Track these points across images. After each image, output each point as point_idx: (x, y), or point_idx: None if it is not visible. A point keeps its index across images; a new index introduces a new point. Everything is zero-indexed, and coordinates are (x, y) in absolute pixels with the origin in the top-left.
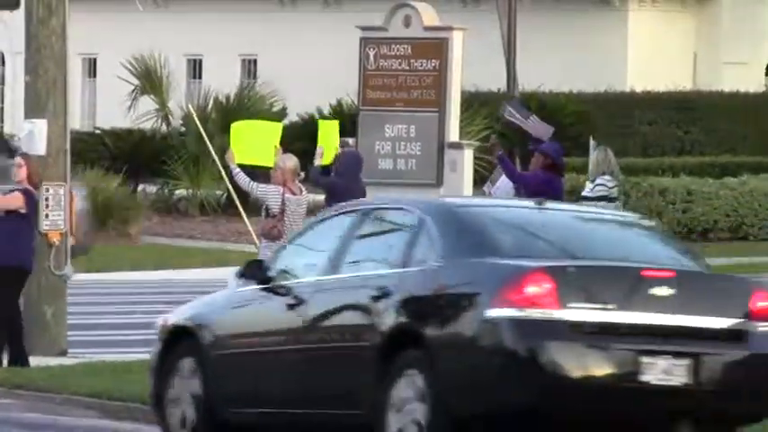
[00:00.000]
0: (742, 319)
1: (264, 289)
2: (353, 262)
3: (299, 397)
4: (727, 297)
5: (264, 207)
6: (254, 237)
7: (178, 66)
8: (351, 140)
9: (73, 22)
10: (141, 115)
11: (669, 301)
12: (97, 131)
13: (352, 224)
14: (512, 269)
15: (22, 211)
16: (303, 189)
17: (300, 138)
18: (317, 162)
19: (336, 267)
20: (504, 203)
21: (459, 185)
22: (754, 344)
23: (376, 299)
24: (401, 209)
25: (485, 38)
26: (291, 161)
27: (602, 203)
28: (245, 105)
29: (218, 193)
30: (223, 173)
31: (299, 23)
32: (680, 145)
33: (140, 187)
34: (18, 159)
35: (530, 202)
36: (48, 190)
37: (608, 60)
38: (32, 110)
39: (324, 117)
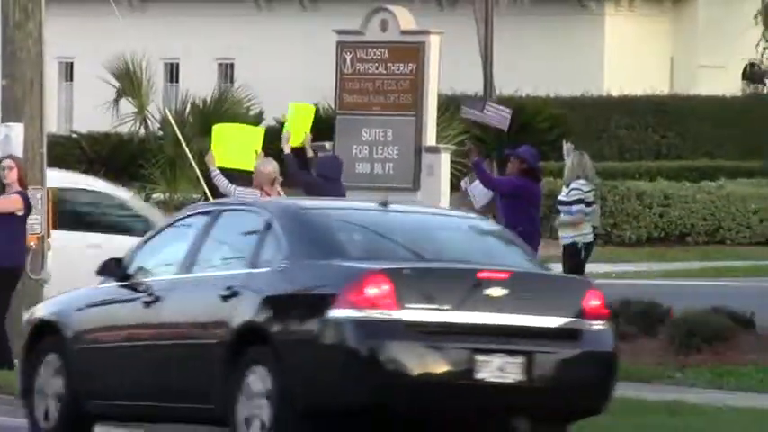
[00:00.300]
0: (575, 318)
1: (123, 286)
2: (206, 261)
3: (156, 391)
4: (561, 297)
5: None
6: None
7: (155, 70)
8: (328, 144)
9: (49, 26)
10: (122, 117)
11: (504, 301)
12: (74, 135)
13: (206, 224)
14: (352, 271)
15: (20, 213)
16: (282, 193)
17: (277, 141)
18: (286, 148)
19: (190, 266)
20: (349, 205)
21: (437, 189)
22: (586, 342)
23: (226, 298)
24: (252, 210)
25: (462, 42)
26: (268, 166)
27: (579, 207)
28: (223, 109)
29: (196, 196)
30: (200, 177)
31: (275, 27)
32: (657, 149)
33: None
34: (8, 161)
35: (374, 204)
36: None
37: (585, 64)
38: (9, 114)
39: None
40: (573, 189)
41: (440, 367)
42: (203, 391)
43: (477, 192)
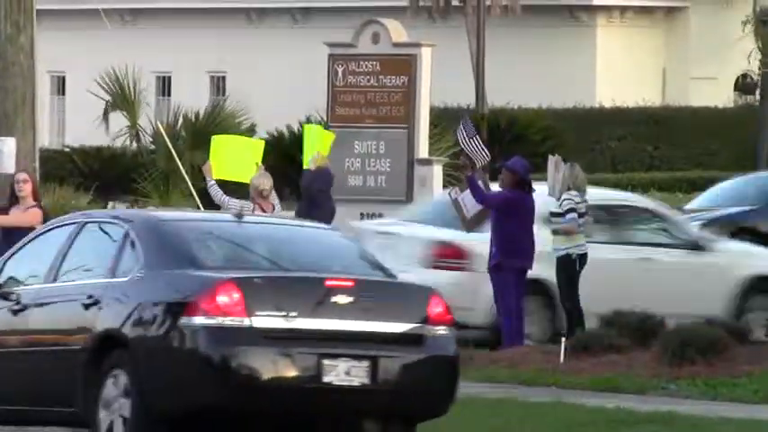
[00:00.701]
0: (419, 324)
1: None
2: (71, 271)
3: (25, 395)
4: (405, 303)
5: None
6: None
7: (147, 83)
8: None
9: (41, 40)
10: (114, 132)
11: (350, 308)
12: (66, 149)
13: (72, 234)
14: (204, 280)
15: (38, 227)
16: (276, 206)
17: (270, 154)
18: (313, 166)
19: (56, 276)
20: (205, 217)
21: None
22: (430, 346)
23: (87, 306)
24: (113, 222)
25: (454, 54)
26: (258, 179)
27: (572, 215)
28: (215, 123)
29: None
30: (193, 190)
31: (267, 40)
32: (649, 160)
33: (110, 205)
34: (23, 175)
35: (230, 216)
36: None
37: (577, 76)
38: (1, 128)
39: (295, 131)
40: (565, 200)
41: (288, 371)
42: (68, 396)
43: (468, 200)
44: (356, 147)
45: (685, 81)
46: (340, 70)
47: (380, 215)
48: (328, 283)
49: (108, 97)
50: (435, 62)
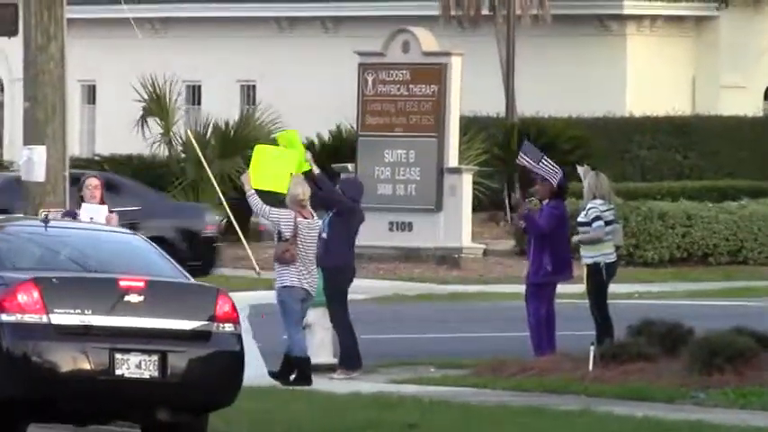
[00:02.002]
0: (207, 322)
1: None
2: None
3: None
4: (194, 302)
5: (277, 231)
6: (254, 262)
7: (178, 91)
8: (350, 166)
9: (71, 49)
10: (148, 139)
11: (141, 307)
12: (96, 158)
13: None
14: (6, 280)
15: None
16: (314, 214)
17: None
18: (316, 169)
19: None
20: (13, 222)
21: (459, 210)
22: (216, 342)
23: None
24: None
25: (483, 63)
26: (295, 188)
27: (598, 223)
28: (245, 131)
29: (218, 218)
30: (222, 198)
31: (297, 49)
32: (679, 169)
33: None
34: (95, 180)
35: (37, 221)
36: (47, 216)
37: (607, 85)
38: (31, 136)
39: (326, 140)
40: (590, 208)
41: (83, 365)
42: None
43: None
44: (386, 155)
45: (715, 90)
46: (370, 79)
47: (410, 225)
48: (122, 283)
49: (144, 103)
50: (465, 71)
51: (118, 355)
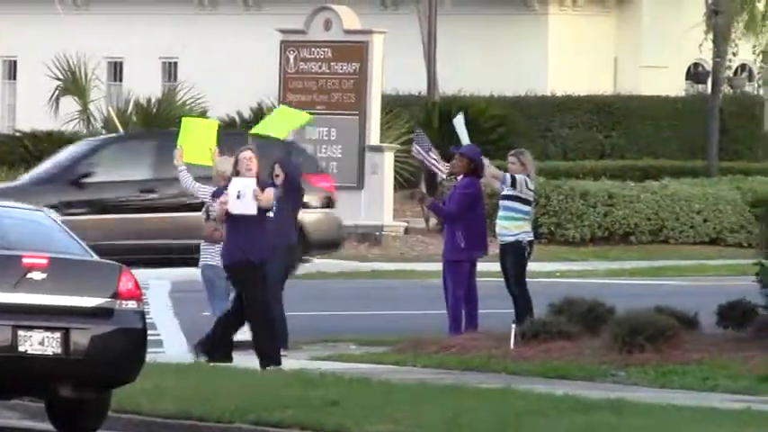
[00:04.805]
0: (109, 299)
1: None
2: None
3: None
4: (97, 279)
5: (205, 209)
6: None
7: (98, 68)
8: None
9: None
10: (65, 116)
11: (43, 284)
12: (17, 133)
13: None
14: None
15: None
16: None
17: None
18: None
19: None
20: None
21: (380, 188)
22: (120, 319)
23: None
24: None
25: (405, 41)
26: (222, 165)
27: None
28: (167, 108)
29: None
30: None
31: (219, 26)
32: (601, 149)
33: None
34: (248, 152)
35: None
36: None
37: (528, 64)
38: None
39: (247, 118)
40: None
41: None
42: None
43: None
44: (308, 133)
45: (637, 70)
46: (291, 57)
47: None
48: (25, 260)
49: (59, 82)
50: (387, 49)
51: (21, 332)
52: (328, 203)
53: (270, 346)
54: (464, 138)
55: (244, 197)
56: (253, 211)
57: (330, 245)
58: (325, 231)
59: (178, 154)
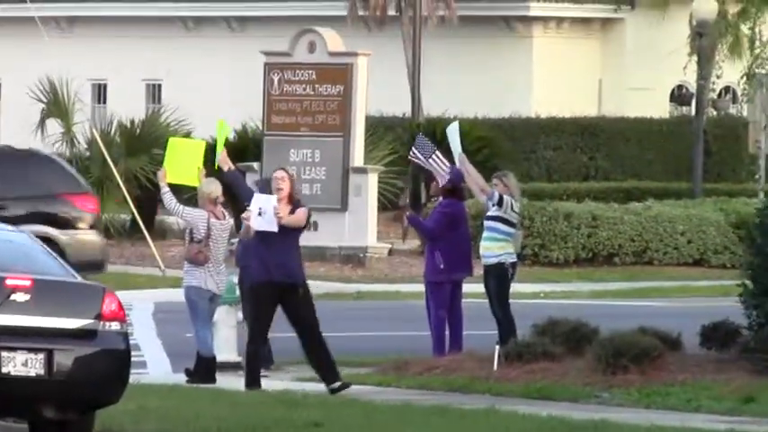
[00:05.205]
0: (93, 320)
1: None
2: None
3: None
4: (80, 301)
5: (188, 231)
6: (159, 260)
7: (83, 90)
8: (255, 165)
9: None
10: (48, 138)
11: (27, 305)
12: None
13: None
14: None
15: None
16: (226, 214)
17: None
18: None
19: None
20: None
21: (364, 210)
22: (103, 340)
23: None
24: None
25: (390, 63)
26: (208, 186)
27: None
28: (150, 130)
29: (123, 216)
30: (128, 197)
31: (203, 48)
32: (585, 170)
33: None
34: (282, 173)
35: None
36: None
37: (513, 86)
38: None
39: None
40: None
41: None
42: None
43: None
44: (292, 155)
45: (621, 92)
46: (276, 79)
47: (315, 224)
48: (8, 282)
49: (42, 105)
50: (372, 71)
51: (4, 353)
52: (93, 224)
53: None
54: (456, 147)
55: (265, 214)
56: (274, 228)
57: (92, 266)
58: (87, 253)
59: (161, 174)
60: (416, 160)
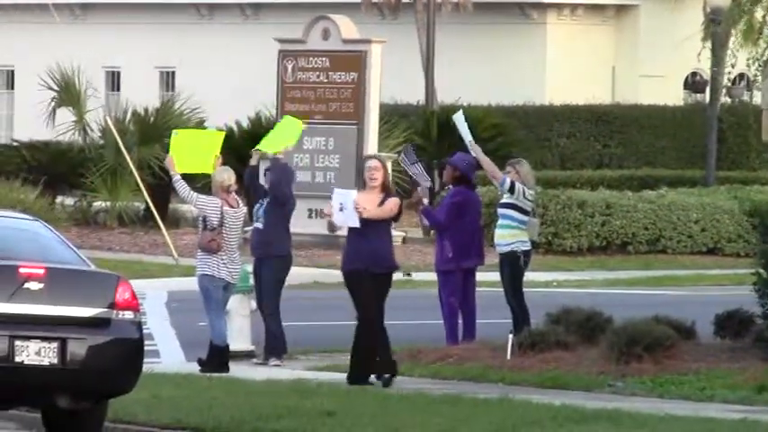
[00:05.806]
0: (106, 309)
1: None
2: None
3: None
4: (94, 289)
5: (202, 219)
6: (172, 249)
7: (96, 78)
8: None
9: None
10: (61, 126)
11: (40, 294)
12: (15, 143)
13: None
14: None
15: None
16: (240, 201)
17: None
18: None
19: None
20: None
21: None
22: (116, 329)
23: None
24: None
25: (403, 50)
26: (221, 174)
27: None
28: (164, 118)
29: (137, 204)
30: (141, 185)
31: (217, 35)
32: (598, 158)
33: (58, 199)
34: (375, 162)
35: None
36: None
37: (527, 73)
38: None
39: (245, 127)
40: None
41: None
42: None
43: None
44: (305, 143)
45: (635, 79)
46: (290, 66)
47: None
48: (22, 270)
49: (54, 93)
50: (386, 59)
51: (18, 342)
52: None
53: (372, 351)
54: (466, 135)
55: (345, 209)
56: (355, 222)
57: None
58: None
59: (169, 163)
60: (403, 165)
